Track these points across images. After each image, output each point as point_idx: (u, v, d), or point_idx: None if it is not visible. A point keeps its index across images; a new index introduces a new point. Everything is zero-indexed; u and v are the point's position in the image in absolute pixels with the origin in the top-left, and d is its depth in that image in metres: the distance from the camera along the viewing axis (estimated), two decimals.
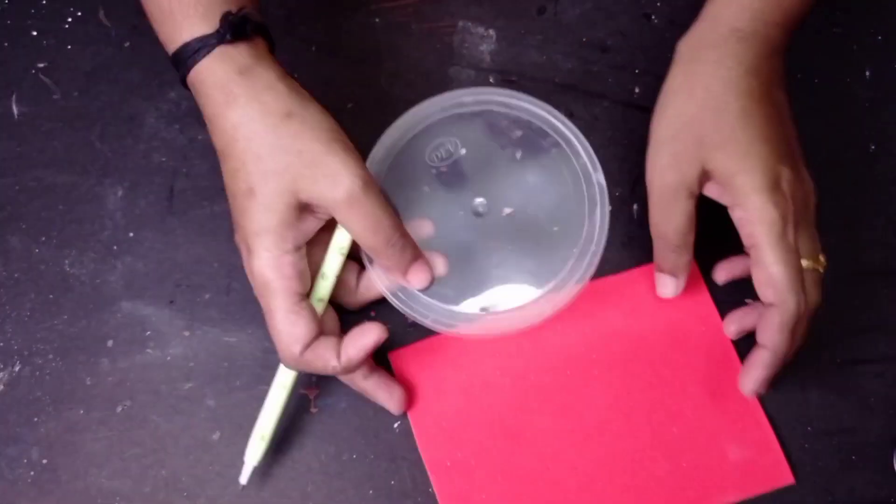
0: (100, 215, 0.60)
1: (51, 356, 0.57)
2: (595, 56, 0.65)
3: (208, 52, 0.50)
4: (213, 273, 0.59)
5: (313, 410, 0.57)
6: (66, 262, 0.59)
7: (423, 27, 0.65)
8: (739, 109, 0.53)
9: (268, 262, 0.50)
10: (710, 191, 0.55)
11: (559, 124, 0.57)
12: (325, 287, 0.54)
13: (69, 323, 0.58)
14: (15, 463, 0.55)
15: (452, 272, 0.55)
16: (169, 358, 0.57)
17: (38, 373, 0.57)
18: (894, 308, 0.60)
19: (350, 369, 0.52)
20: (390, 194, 0.54)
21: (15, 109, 0.62)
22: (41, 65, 0.64)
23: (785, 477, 0.56)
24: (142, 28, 0.65)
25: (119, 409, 0.57)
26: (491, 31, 0.65)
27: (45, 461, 0.56)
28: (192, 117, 0.61)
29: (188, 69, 0.51)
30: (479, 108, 0.58)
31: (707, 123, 0.53)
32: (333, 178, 0.49)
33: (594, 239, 0.55)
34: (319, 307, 0.53)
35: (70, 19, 0.65)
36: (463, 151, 0.57)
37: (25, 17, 0.65)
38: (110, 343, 0.58)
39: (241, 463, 0.55)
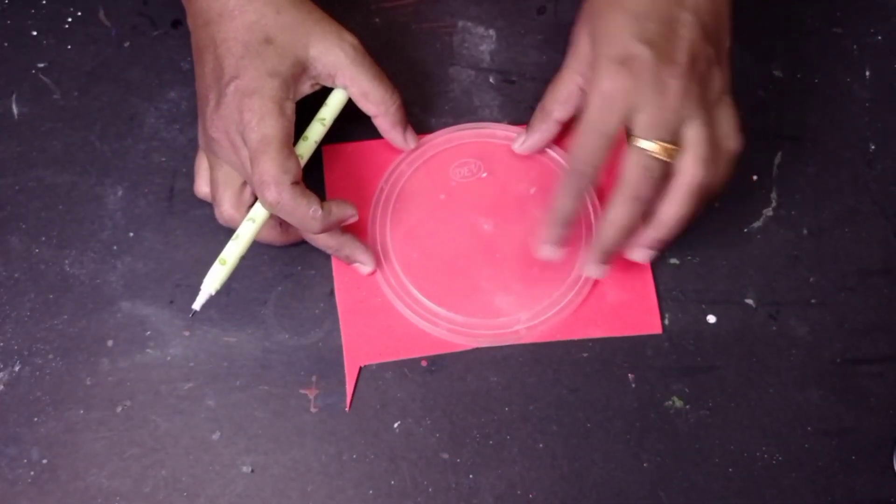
0: (100, 215, 0.60)
1: (51, 356, 0.57)
2: None
3: None
4: None
5: (313, 410, 0.57)
6: (66, 262, 0.59)
7: (423, 27, 0.65)
8: None
9: (274, 100, 0.52)
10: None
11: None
12: (305, 147, 0.56)
13: (69, 323, 0.58)
14: (15, 463, 0.55)
15: (442, 273, 0.59)
16: (169, 358, 0.57)
17: (38, 373, 0.57)
18: (894, 308, 0.60)
19: (328, 225, 0.54)
20: (410, 191, 0.61)
21: (15, 109, 0.62)
22: (41, 65, 0.64)
23: (654, 326, 0.59)
24: (142, 28, 0.65)
25: (119, 409, 0.57)
26: (491, 31, 0.65)
27: (45, 461, 0.55)
28: (192, 117, 0.61)
29: None
30: (508, 143, 0.62)
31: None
32: (339, 35, 0.56)
33: (574, 289, 0.59)
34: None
35: (70, 19, 0.65)
36: (484, 175, 0.61)
37: (25, 17, 0.65)
38: (110, 343, 0.58)
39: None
